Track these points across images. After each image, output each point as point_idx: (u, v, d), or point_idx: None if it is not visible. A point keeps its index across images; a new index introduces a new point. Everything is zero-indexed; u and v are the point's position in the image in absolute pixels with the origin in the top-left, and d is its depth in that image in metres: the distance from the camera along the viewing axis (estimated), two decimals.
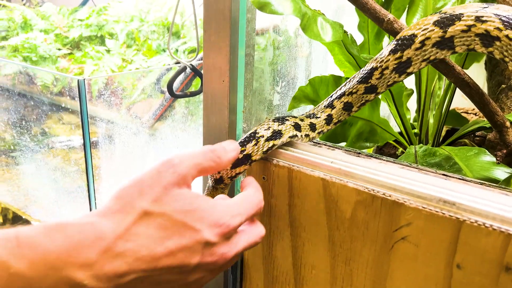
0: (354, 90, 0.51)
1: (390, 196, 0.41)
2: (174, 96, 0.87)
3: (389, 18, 0.50)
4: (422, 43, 0.45)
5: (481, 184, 0.43)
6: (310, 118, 0.54)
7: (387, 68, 0.48)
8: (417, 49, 0.46)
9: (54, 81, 1.50)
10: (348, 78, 0.64)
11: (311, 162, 0.47)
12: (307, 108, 0.65)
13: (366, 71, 0.50)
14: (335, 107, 0.53)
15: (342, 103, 0.53)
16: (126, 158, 1.13)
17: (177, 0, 0.76)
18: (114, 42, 1.53)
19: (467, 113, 0.95)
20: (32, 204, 1.02)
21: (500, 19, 0.37)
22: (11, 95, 1.56)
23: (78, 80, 0.79)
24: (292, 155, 0.49)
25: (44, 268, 0.32)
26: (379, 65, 0.48)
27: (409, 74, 0.49)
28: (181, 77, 0.89)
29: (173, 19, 0.90)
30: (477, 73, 0.71)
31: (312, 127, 0.53)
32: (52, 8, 1.70)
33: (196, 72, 0.89)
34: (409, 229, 0.40)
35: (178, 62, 0.90)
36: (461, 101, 0.93)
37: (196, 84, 1.09)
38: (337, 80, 0.64)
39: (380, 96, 0.74)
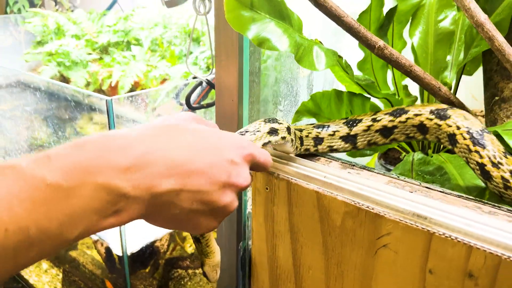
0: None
1: (373, 209, 0.46)
2: (192, 108, 0.91)
3: (379, 45, 0.54)
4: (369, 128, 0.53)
5: (459, 196, 0.47)
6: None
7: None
8: (364, 131, 0.55)
9: (86, 85, 1.54)
10: (349, 91, 0.68)
11: (307, 176, 0.52)
12: (310, 121, 0.70)
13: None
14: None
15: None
16: None
17: (194, 19, 0.81)
18: (139, 48, 1.55)
19: (476, 114, 0.96)
20: None
21: (430, 111, 0.40)
22: (47, 97, 1.63)
23: (106, 101, 0.84)
24: (291, 169, 0.54)
25: (79, 176, 0.30)
26: None
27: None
28: (198, 89, 0.93)
29: (189, 42, 0.94)
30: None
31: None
32: (83, 14, 1.72)
33: (211, 86, 0.92)
34: (389, 238, 0.45)
35: (195, 77, 0.95)
36: (472, 103, 0.93)
37: (213, 93, 1.14)
38: (339, 94, 0.67)
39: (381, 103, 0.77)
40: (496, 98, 0.67)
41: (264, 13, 0.58)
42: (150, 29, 1.58)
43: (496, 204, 0.46)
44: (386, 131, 0.54)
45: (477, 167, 0.49)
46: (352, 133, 0.57)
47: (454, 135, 0.50)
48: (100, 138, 0.35)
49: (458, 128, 0.50)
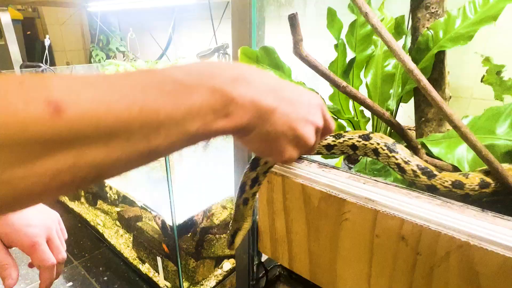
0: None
1: (338, 195, 0.46)
2: None
3: (343, 85, 0.54)
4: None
5: (396, 186, 0.47)
6: None
7: None
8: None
9: None
10: None
11: (296, 174, 0.52)
12: None
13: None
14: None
15: None
16: (187, 159, 1.19)
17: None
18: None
19: (409, 129, 0.94)
20: (134, 189, 1.08)
21: (359, 136, 0.41)
22: None
23: None
24: (284, 169, 0.53)
25: (199, 78, 0.25)
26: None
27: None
28: None
29: None
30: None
31: None
32: (142, 62, 1.69)
33: None
34: (349, 214, 0.45)
35: None
36: (408, 121, 0.92)
37: None
38: None
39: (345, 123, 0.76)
40: (423, 119, 0.66)
41: (266, 65, 0.58)
42: None
43: (421, 191, 0.46)
44: (329, 147, 0.53)
45: (395, 166, 0.49)
46: None
47: (376, 149, 0.50)
48: (207, 62, 0.30)
49: (378, 144, 0.50)
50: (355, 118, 0.74)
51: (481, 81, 0.76)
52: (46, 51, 1.52)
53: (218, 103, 0.25)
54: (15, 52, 1.60)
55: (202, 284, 0.94)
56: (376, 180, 0.50)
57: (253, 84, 0.28)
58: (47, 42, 1.51)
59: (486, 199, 0.49)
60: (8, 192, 0.18)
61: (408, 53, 0.68)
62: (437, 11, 0.63)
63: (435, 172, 0.47)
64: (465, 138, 0.47)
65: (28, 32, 2.60)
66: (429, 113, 0.67)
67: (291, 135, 0.31)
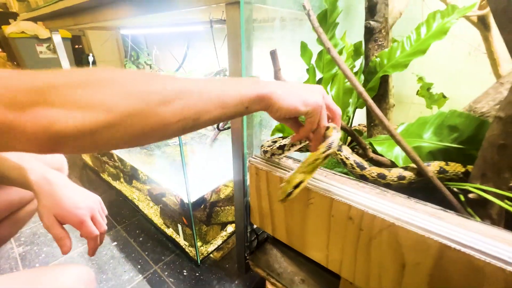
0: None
1: (307, 185, 0.48)
2: (220, 130, 0.91)
3: None
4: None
5: (348, 178, 0.49)
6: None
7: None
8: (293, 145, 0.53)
9: None
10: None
11: (275, 169, 0.52)
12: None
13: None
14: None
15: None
16: (199, 153, 1.20)
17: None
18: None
19: (364, 126, 0.93)
20: (159, 173, 1.07)
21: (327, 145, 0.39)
22: None
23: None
24: (267, 165, 0.54)
25: (248, 82, 0.33)
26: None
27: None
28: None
29: None
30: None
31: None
32: (164, 73, 1.64)
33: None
34: (313, 200, 0.46)
35: None
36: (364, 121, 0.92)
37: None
38: None
39: None
40: (372, 123, 0.67)
41: None
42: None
43: (366, 183, 0.47)
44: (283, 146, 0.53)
45: (340, 161, 0.51)
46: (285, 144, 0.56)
47: None
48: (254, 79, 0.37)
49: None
50: None
51: (416, 94, 0.77)
52: (90, 65, 1.49)
53: (255, 96, 0.33)
54: (65, 66, 1.57)
55: (212, 243, 0.97)
56: (334, 173, 0.51)
57: (271, 86, 0.34)
58: (91, 59, 1.49)
59: (414, 186, 0.51)
60: (159, 123, 0.26)
61: (362, 73, 0.68)
62: (383, 43, 0.63)
63: (366, 166, 0.49)
64: (398, 142, 0.49)
65: (76, 46, 2.55)
66: (376, 120, 0.68)
67: (308, 93, 0.37)
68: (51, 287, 0.41)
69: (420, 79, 0.71)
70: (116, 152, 1.25)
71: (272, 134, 0.69)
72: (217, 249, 0.96)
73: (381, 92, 0.65)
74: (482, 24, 0.67)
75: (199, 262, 0.90)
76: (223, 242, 0.97)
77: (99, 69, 0.25)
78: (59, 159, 0.63)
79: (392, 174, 0.48)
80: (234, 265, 0.90)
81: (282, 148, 0.54)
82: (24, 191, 0.59)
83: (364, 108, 0.73)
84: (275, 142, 0.55)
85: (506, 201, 0.41)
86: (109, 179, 1.42)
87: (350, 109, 0.74)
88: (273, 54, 0.50)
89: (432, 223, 0.36)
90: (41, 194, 0.45)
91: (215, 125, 0.87)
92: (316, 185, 0.47)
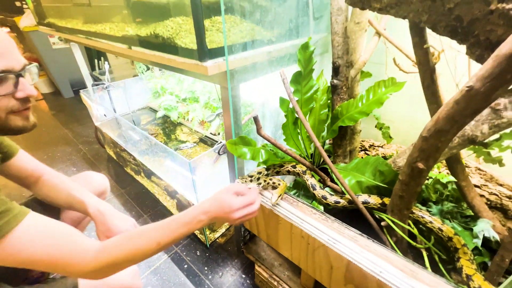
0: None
1: (276, 211, 0.69)
2: (220, 154, 1.09)
3: (284, 149, 0.74)
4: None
5: (307, 206, 0.70)
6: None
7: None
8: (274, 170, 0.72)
9: (177, 117, 1.60)
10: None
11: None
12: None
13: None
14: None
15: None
16: (204, 168, 1.34)
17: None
18: (199, 103, 1.53)
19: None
20: (172, 180, 1.28)
21: (291, 166, 0.57)
22: (162, 123, 1.80)
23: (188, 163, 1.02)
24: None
25: (194, 211, 0.51)
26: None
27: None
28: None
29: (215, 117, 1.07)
30: None
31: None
32: (173, 80, 1.71)
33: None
34: (280, 222, 0.67)
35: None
36: None
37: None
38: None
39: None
40: (335, 154, 0.85)
41: (241, 145, 0.73)
42: (204, 93, 1.55)
43: (318, 211, 0.68)
44: (278, 172, 0.73)
45: (304, 182, 0.72)
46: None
47: (298, 173, 0.72)
48: (199, 207, 0.52)
49: (298, 171, 0.72)
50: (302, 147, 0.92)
51: (375, 127, 0.95)
52: (107, 73, 1.66)
53: (196, 226, 0.49)
54: (78, 55, 1.72)
55: (217, 231, 1.23)
56: (298, 200, 0.73)
57: (210, 212, 0.51)
58: (107, 67, 1.65)
59: (348, 209, 0.71)
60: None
61: (331, 115, 0.84)
62: (343, 97, 0.80)
63: (317, 188, 0.70)
64: (338, 179, 0.69)
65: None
66: (338, 152, 0.88)
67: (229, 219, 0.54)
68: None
69: (377, 119, 0.88)
70: (135, 154, 1.47)
71: (258, 165, 0.85)
72: (222, 235, 1.23)
73: (342, 132, 0.84)
74: None
75: (208, 245, 1.18)
76: (226, 230, 1.24)
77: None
78: (104, 184, 0.86)
79: (331, 198, 0.70)
80: (234, 248, 1.18)
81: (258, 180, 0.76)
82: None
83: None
84: (251, 177, 0.77)
85: (409, 225, 0.63)
86: (132, 173, 1.67)
87: (325, 134, 0.92)
88: (282, 76, 0.68)
89: (345, 246, 0.58)
90: (97, 223, 0.66)
91: (217, 149, 1.03)
92: (282, 212, 0.69)
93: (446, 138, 0.46)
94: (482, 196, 0.73)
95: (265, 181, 0.75)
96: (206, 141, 1.53)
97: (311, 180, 0.73)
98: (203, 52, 0.56)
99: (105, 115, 1.54)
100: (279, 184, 0.73)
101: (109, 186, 0.88)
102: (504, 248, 0.51)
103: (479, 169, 0.81)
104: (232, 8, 0.66)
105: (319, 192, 0.70)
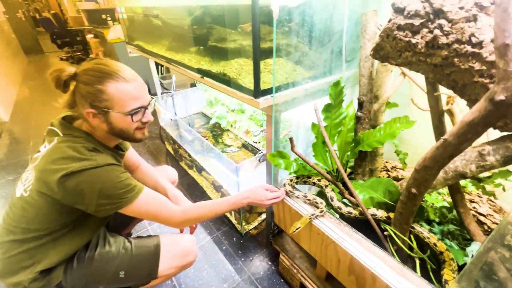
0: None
1: (300, 212, 0.89)
2: (260, 162, 1.32)
3: (312, 165, 0.93)
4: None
5: (329, 214, 0.89)
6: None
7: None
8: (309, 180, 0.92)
9: (226, 124, 1.87)
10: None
11: (287, 201, 0.95)
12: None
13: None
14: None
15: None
16: (249, 167, 1.57)
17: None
18: (245, 115, 1.73)
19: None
20: (218, 175, 1.55)
21: (317, 179, 0.79)
22: (211, 128, 2.10)
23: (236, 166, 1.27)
24: (286, 198, 0.97)
25: (238, 196, 0.78)
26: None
27: None
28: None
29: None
30: None
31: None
32: None
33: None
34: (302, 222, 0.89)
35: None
36: None
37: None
38: None
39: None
40: (356, 172, 1.02)
41: (278, 157, 0.93)
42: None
43: (334, 217, 0.86)
44: (305, 181, 0.91)
45: (325, 195, 0.89)
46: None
47: (321, 186, 0.91)
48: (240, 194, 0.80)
49: (322, 184, 0.89)
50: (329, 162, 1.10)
51: (394, 152, 1.08)
52: (173, 83, 2.03)
53: (238, 206, 0.78)
54: (157, 82, 2.11)
55: (251, 224, 1.46)
56: (316, 206, 0.92)
57: (249, 198, 0.78)
58: (173, 79, 2.01)
59: (359, 219, 0.86)
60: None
61: (354, 139, 1.01)
62: (366, 127, 0.96)
63: (334, 200, 0.88)
64: (353, 194, 0.86)
65: None
66: (358, 170, 1.03)
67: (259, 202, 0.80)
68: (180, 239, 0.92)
69: (396, 146, 1.02)
70: (190, 151, 1.78)
71: (290, 173, 1.01)
72: (254, 228, 1.45)
73: (362, 155, 1.00)
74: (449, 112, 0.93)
75: (242, 234, 1.42)
76: (258, 224, 1.47)
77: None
78: (175, 175, 1.15)
79: (345, 209, 0.87)
80: (264, 239, 1.40)
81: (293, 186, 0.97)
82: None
83: None
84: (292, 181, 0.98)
85: (409, 238, 0.77)
86: (186, 167, 2.00)
87: (349, 153, 1.08)
88: (316, 110, 0.88)
89: (351, 245, 0.76)
90: (172, 202, 0.92)
91: (258, 158, 1.26)
92: (305, 214, 0.88)
93: (432, 173, 0.62)
94: (484, 224, 0.83)
95: (311, 200, 0.94)
96: (247, 147, 1.77)
97: (330, 193, 0.91)
98: (257, 92, 0.80)
99: (171, 119, 1.88)
100: (320, 204, 0.90)
101: (177, 177, 1.18)
102: None
103: (490, 200, 0.90)
104: (280, 51, 0.88)
105: (336, 203, 0.88)
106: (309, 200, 0.91)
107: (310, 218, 0.82)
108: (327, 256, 0.84)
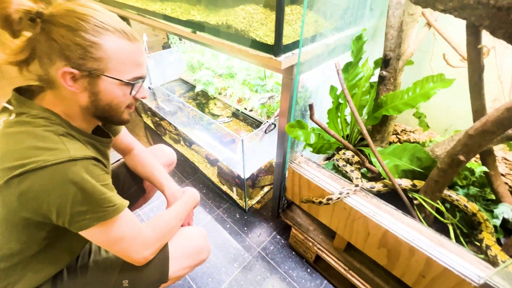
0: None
1: (321, 185, 0.82)
2: (266, 132, 1.13)
3: (333, 134, 0.84)
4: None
5: (349, 183, 0.83)
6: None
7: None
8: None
9: (214, 92, 1.67)
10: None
11: (304, 173, 0.86)
12: None
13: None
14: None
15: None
16: (253, 142, 1.43)
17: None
18: (236, 80, 1.56)
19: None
20: (213, 148, 1.37)
21: (328, 197, 0.73)
22: (194, 97, 1.87)
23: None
24: (299, 168, 0.88)
25: (188, 199, 0.74)
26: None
27: None
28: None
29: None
30: None
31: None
32: (209, 54, 1.71)
33: (275, 125, 1.10)
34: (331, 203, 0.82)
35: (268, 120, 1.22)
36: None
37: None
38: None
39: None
40: (374, 138, 0.95)
41: (297, 128, 0.81)
42: (241, 70, 1.57)
43: (362, 189, 0.80)
44: (331, 156, 0.83)
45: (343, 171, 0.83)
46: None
47: (348, 159, 0.83)
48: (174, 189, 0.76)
49: (347, 157, 0.82)
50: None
51: (413, 115, 1.02)
52: (145, 46, 1.72)
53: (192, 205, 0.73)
54: None
55: (254, 198, 1.40)
56: (340, 178, 0.85)
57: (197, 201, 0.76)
58: (145, 38, 1.70)
59: (382, 192, 0.81)
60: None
61: (374, 102, 0.92)
62: (390, 88, 0.86)
63: (356, 173, 0.81)
64: (380, 164, 0.80)
65: None
66: (377, 137, 0.96)
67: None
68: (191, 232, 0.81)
69: (417, 108, 0.95)
70: (177, 125, 1.59)
71: (304, 148, 0.94)
72: (257, 202, 1.39)
73: (383, 119, 0.91)
74: None
75: (246, 210, 1.35)
76: (261, 198, 1.41)
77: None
78: (173, 156, 0.98)
79: (367, 185, 0.81)
80: (269, 213, 1.35)
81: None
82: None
83: None
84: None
85: (438, 204, 0.74)
86: (171, 142, 1.81)
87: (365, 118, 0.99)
88: (336, 66, 0.76)
89: (383, 218, 0.71)
90: (169, 202, 0.78)
91: (264, 129, 1.12)
92: (323, 185, 0.81)
93: (490, 138, 0.55)
94: (505, 183, 0.82)
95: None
96: (238, 116, 1.63)
97: (349, 168, 0.84)
98: (279, 48, 0.63)
99: (149, 87, 1.63)
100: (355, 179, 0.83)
101: (176, 158, 1.01)
102: None
103: (505, 159, 0.89)
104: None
105: (358, 176, 0.82)
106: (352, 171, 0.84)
107: (347, 193, 0.76)
108: (352, 229, 0.80)
